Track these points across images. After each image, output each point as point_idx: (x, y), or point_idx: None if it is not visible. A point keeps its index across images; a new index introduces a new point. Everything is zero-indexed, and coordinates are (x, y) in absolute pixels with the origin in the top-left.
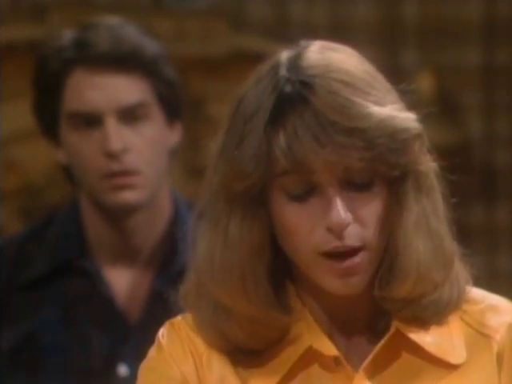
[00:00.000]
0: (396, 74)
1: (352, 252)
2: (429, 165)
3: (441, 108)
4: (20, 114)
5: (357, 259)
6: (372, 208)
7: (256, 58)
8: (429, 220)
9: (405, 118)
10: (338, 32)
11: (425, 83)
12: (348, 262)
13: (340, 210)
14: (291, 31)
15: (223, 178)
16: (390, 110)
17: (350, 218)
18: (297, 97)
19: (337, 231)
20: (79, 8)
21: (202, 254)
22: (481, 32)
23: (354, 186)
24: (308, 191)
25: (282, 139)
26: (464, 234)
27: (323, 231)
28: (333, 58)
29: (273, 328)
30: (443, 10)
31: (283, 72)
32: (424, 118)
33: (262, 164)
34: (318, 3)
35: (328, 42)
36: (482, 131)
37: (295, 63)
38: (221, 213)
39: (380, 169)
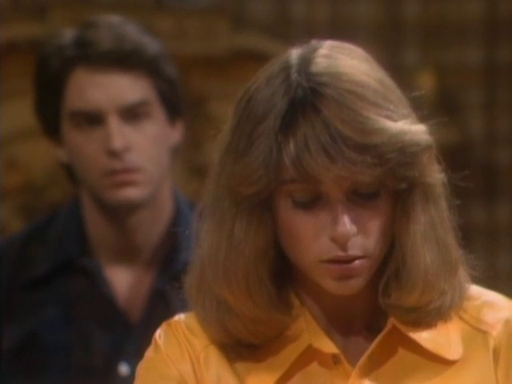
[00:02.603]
0: (397, 73)
1: (352, 259)
2: (437, 175)
3: (442, 106)
4: (21, 113)
5: (355, 264)
6: (376, 219)
7: (257, 57)
8: (436, 229)
9: (415, 131)
10: (339, 31)
11: (426, 82)
12: (346, 266)
13: (345, 222)
14: (292, 30)
15: (229, 180)
16: (401, 124)
17: (355, 230)
18: (308, 105)
19: (341, 242)
20: (80, 6)
21: (205, 254)
22: (482, 30)
23: (360, 196)
24: (314, 199)
25: (292, 149)
26: (464, 232)
27: (327, 240)
28: (343, 64)
29: (274, 327)
30: (444, 9)
31: (294, 76)
32: (425, 117)
33: (271, 171)
34: (319, 2)
35: (338, 41)
36: (483, 130)
37: (305, 68)
38: (226, 214)
39: (387, 181)
